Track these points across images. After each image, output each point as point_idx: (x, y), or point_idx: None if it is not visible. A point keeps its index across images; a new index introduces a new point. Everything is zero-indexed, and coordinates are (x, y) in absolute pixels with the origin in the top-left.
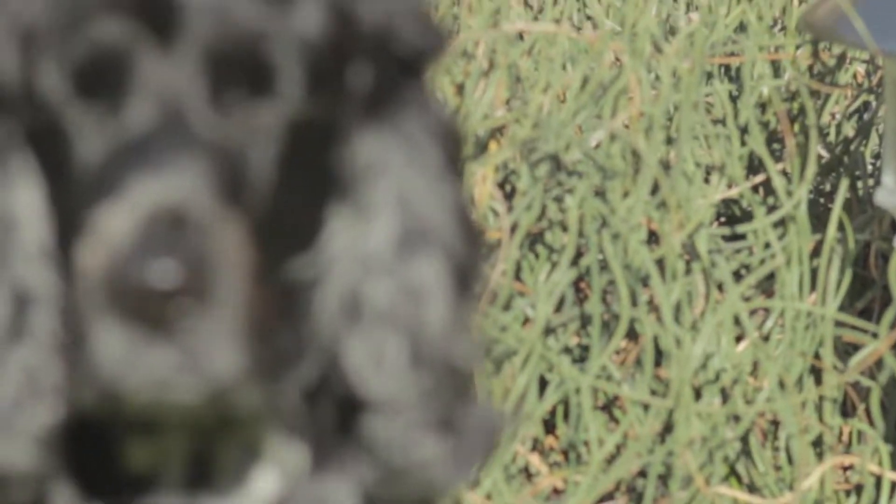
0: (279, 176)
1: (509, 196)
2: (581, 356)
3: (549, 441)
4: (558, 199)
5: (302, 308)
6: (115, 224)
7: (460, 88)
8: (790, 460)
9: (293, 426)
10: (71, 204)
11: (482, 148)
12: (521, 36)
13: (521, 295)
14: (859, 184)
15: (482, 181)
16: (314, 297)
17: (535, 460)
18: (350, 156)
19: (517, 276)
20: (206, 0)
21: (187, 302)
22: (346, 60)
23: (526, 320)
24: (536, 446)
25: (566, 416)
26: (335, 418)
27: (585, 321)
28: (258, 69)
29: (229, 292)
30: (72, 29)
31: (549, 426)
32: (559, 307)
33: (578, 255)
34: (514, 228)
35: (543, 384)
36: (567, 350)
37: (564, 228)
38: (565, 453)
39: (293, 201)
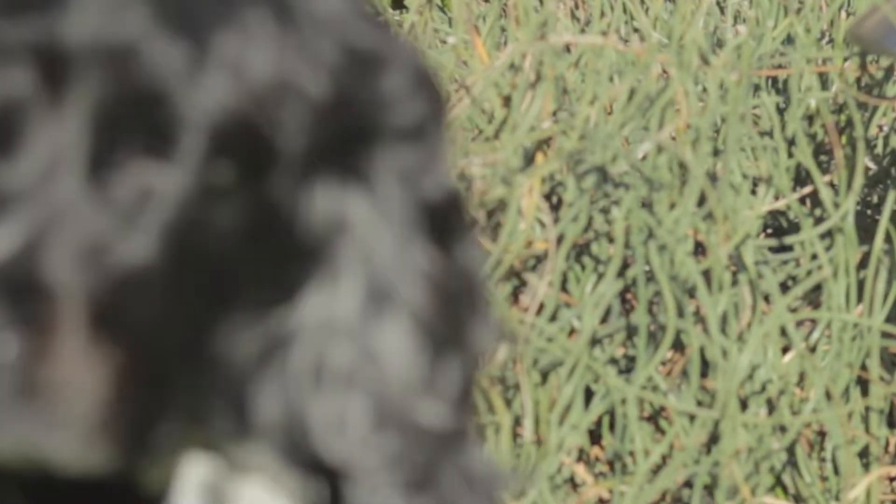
0: (180, 243)
1: (556, 207)
2: (627, 367)
3: (595, 451)
4: (605, 211)
5: (272, 364)
6: None
7: (507, 100)
8: (836, 471)
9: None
10: None
11: (529, 160)
12: (568, 48)
13: (567, 306)
14: None
15: (529, 193)
16: (288, 357)
17: (580, 471)
18: (310, 218)
19: (563, 287)
20: (102, 52)
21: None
22: (277, 129)
23: (572, 331)
24: (582, 457)
25: (612, 426)
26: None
27: (631, 332)
28: (155, 131)
29: (62, 363)
30: None
31: (595, 437)
32: (605, 318)
33: (625, 266)
34: (560, 240)
35: (589, 395)
36: (613, 361)
37: (611, 240)
38: (611, 464)
39: (216, 267)
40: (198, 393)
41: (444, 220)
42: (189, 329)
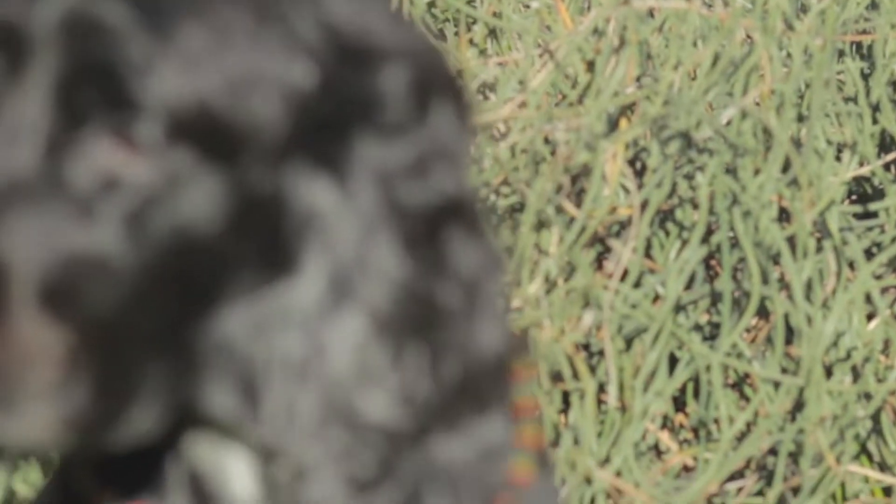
0: (146, 229)
1: (640, 173)
2: (711, 334)
3: (680, 418)
4: (689, 177)
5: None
6: None
7: (591, 65)
8: None
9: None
10: None
11: (613, 125)
12: (651, 13)
13: (651, 272)
14: None
15: (613, 158)
16: (259, 351)
17: (665, 438)
18: (292, 206)
19: (647, 253)
20: (67, 31)
21: None
22: (245, 117)
23: (656, 297)
24: (666, 424)
25: (696, 393)
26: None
27: (716, 298)
28: (116, 116)
29: (10, 342)
30: None
31: (679, 403)
32: (689, 284)
33: (709, 232)
34: (644, 206)
35: (674, 361)
36: (697, 327)
37: (695, 206)
38: (695, 431)
39: (198, 254)
40: (188, 376)
41: (430, 225)
42: (169, 313)
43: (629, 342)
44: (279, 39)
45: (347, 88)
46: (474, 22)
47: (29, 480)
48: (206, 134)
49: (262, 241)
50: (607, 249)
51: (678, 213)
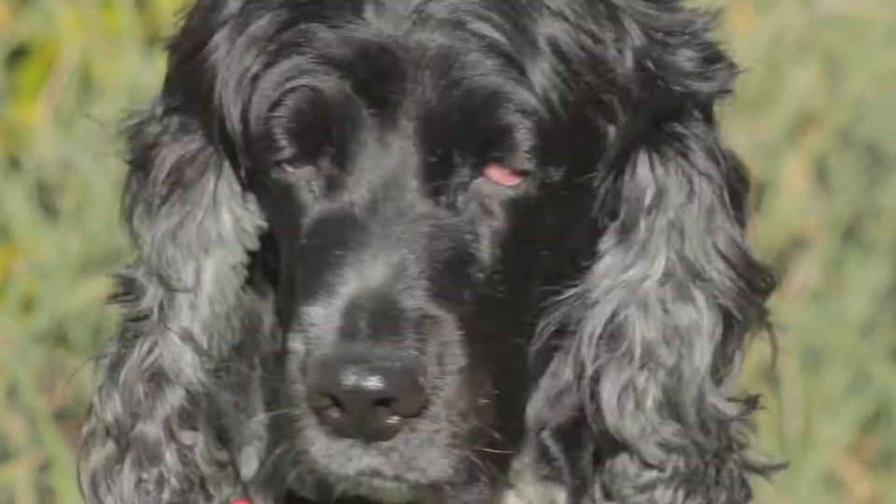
0: (525, 245)
1: (824, 186)
2: None
3: (865, 444)
4: (877, 190)
5: (564, 351)
6: (316, 314)
7: (772, 71)
8: None
9: (547, 475)
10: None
11: (795, 135)
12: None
13: (835, 292)
14: None
15: (795, 170)
16: (582, 329)
17: (848, 467)
18: (624, 190)
19: (832, 271)
20: (439, 57)
21: (395, 409)
22: (602, 113)
23: (841, 318)
24: (851, 451)
25: (883, 420)
26: (592, 456)
27: None
28: (489, 138)
29: (443, 399)
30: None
31: (866, 431)
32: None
33: None
34: (830, 221)
35: (859, 386)
36: (887, 351)
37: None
38: (883, 460)
39: (544, 265)
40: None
41: (737, 189)
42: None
43: (813, 365)
44: (609, 30)
45: (662, 71)
46: None
47: None
48: (570, 141)
49: (595, 224)
50: (789, 266)
51: (866, 229)
